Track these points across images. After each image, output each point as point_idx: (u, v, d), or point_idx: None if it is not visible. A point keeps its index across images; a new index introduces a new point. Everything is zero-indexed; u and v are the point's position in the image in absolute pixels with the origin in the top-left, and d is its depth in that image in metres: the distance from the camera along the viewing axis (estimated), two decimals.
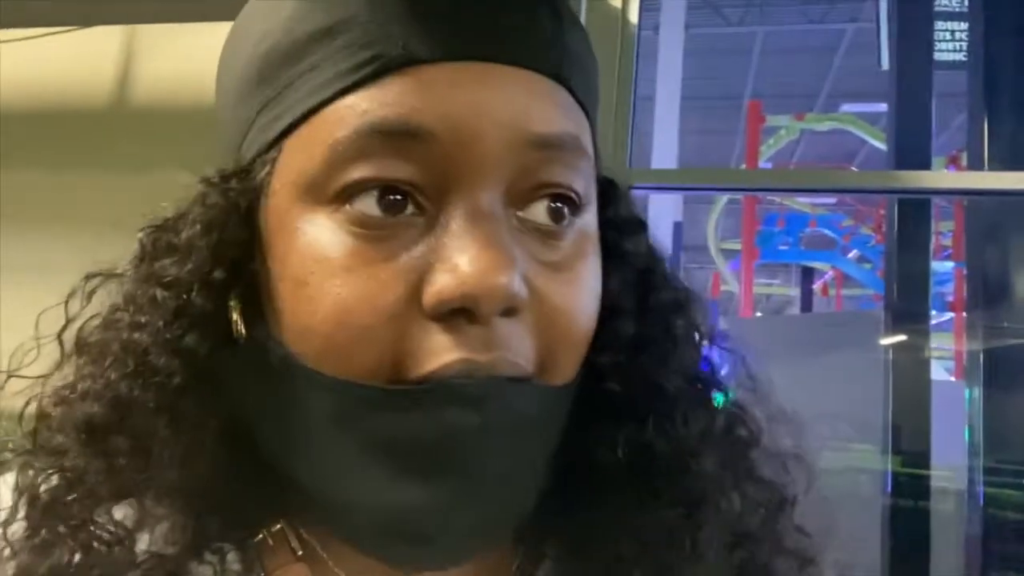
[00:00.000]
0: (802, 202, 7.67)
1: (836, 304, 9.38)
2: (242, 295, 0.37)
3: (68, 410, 0.36)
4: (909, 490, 2.88)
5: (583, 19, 1.49)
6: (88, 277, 0.39)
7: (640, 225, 0.42)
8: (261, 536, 0.38)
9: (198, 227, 0.36)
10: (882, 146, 6.15)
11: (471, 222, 0.33)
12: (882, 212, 6.27)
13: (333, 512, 0.36)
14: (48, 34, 1.37)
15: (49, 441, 0.36)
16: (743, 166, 7.73)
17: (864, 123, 7.00)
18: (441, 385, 0.32)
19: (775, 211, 7.88)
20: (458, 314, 0.32)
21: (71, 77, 1.48)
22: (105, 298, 0.38)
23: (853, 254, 7.80)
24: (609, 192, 0.41)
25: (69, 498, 0.35)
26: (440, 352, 0.32)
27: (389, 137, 0.33)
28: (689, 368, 0.40)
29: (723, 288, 9.60)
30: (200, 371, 0.36)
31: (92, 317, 0.38)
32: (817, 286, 9.17)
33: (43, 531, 0.34)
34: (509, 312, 0.33)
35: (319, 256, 0.33)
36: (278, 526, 0.39)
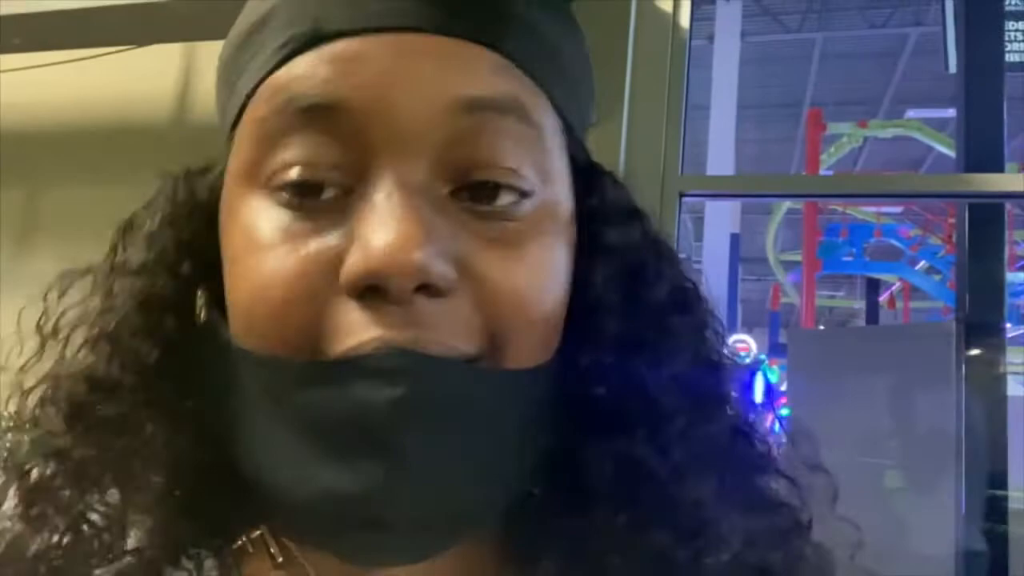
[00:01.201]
0: (866, 211, 7.46)
1: (903, 317, 9.08)
2: (213, 286, 0.37)
3: (52, 391, 0.37)
4: (985, 512, 2.74)
5: (631, 26, 1.47)
6: (64, 275, 0.40)
7: (632, 214, 0.39)
8: (240, 542, 0.37)
9: (158, 218, 0.38)
10: (950, 152, 5.94)
11: (388, 196, 0.32)
12: (951, 221, 6.05)
13: (279, 504, 0.34)
14: (106, 53, 1.41)
15: (34, 421, 0.37)
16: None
17: (931, 129, 6.78)
18: (353, 359, 0.31)
19: (838, 221, 7.68)
20: (376, 292, 0.31)
21: (130, 95, 1.52)
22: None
23: (921, 265, 7.54)
24: (594, 179, 0.39)
25: (58, 478, 0.35)
26: (356, 330, 0.31)
27: (306, 113, 0.33)
28: (690, 374, 0.37)
29: (783, 301, 9.40)
30: (173, 355, 0.36)
31: (69, 308, 0.39)
32: (883, 298, 8.89)
33: (34, 509, 0.35)
34: (432, 292, 0.31)
35: (249, 235, 0.34)
36: (257, 532, 0.38)
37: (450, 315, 0.32)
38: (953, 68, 3.65)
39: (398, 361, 0.30)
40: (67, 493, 0.35)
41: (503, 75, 0.34)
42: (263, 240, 0.33)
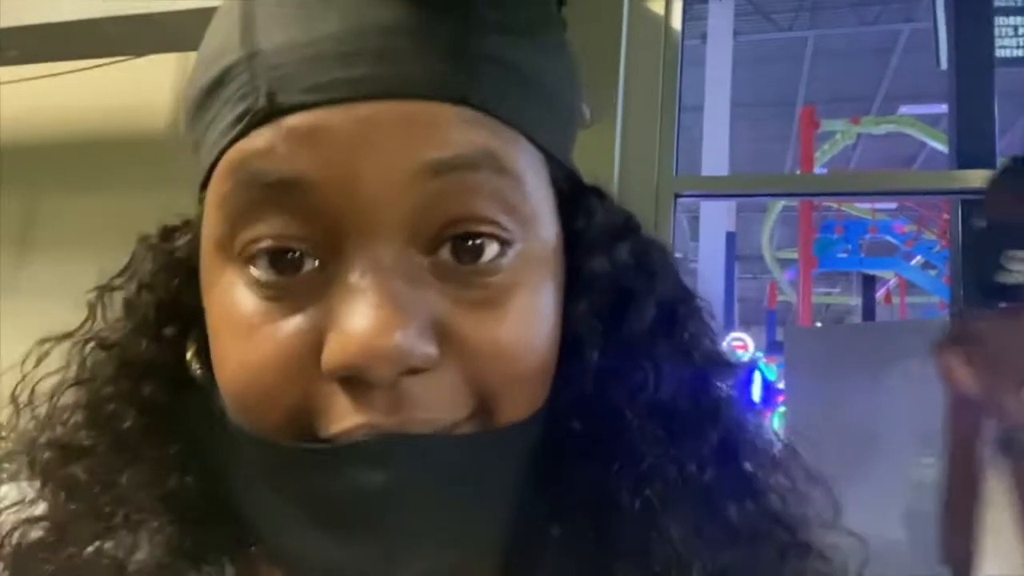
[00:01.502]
0: (861, 208, 7.48)
1: (900, 312, 9.10)
2: (200, 338, 0.36)
3: (35, 459, 0.38)
4: None
5: (624, 28, 1.48)
6: (42, 341, 0.40)
7: (620, 230, 0.38)
8: (254, 548, 0.38)
9: (135, 283, 0.39)
10: (943, 148, 5.96)
11: (363, 277, 0.30)
12: (946, 216, 6.06)
13: (285, 558, 0.35)
14: (103, 64, 1.42)
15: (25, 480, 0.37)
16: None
17: (924, 125, 6.80)
18: (343, 446, 0.31)
19: (833, 218, 7.70)
20: (359, 377, 0.30)
21: (127, 105, 1.52)
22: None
23: (917, 260, 7.56)
24: (579, 200, 0.38)
25: (51, 541, 0.36)
26: (343, 416, 0.31)
27: (270, 190, 0.31)
28: (675, 404, 0.36)
29: (780, 298, 9.41)
30: (159, 413, 0.37)
31: (47, 375, 0.40)
32: (880, 294, 8.91)
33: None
34: (415, 371, 0.30)
35: (225, 314, 0.33)
36: None
37: (436, 389, 0.31)
38: (944, 64, 3.66)
39: (386, 447, 0.30)
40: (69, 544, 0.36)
41: (472, 129, 0.32)
42: (241, 321, 0.32)
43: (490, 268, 0.32)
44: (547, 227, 0.35)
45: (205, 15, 0.39)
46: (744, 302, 11.35)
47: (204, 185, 0.35)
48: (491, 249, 0.32)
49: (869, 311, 8.13)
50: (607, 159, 1.39)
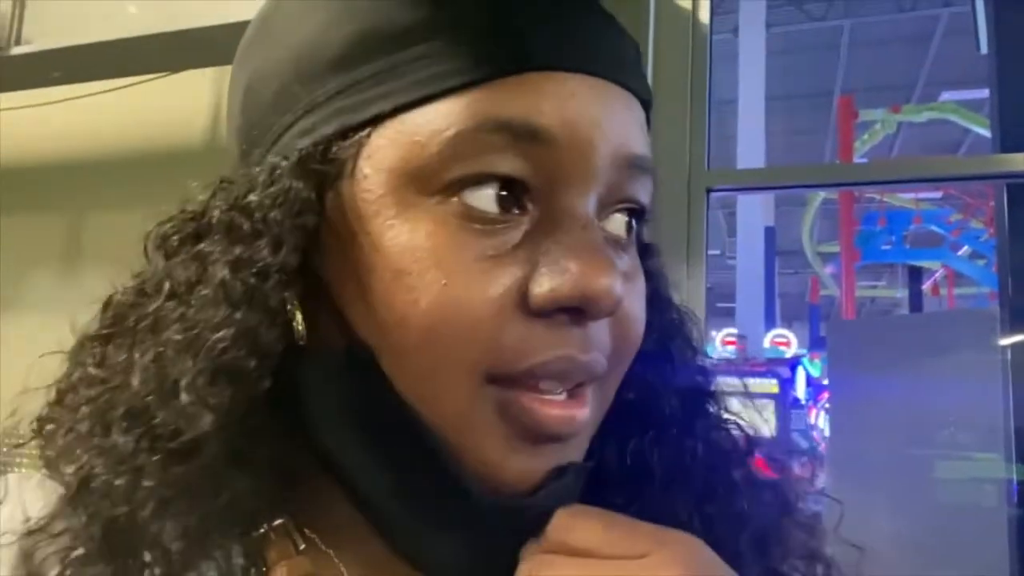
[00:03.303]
0: (904, 198, 7.32)
1: (948, 304, 8.88)
2: (300, 292, 0.35)
3: (137, 413, 0.33)
4: None
5: (651, 23, 1.47)
6: (115, 294, 0.37)
7: (652, 247, 0.44)
8: (263, 530, 0.38)
9: (284, 208, 0.34)
10: (987, 133, 5.80)
11: (576, 227, 0.34)
12: (992, 204, 5.91)
13: (398, 534, 0.37)
14: (141, 82, 1.46)
15: (111, 441, 0.33)
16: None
17: (966, 111, 6.63)
18: (524, 505, 0.35)
19: (875, 209, 7.55)
20: (561, 314, 0.34)
21: (166, 120, 1.56)
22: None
23: (964, 250, 7.37)
24: None
25: (134, 508, 0.32)
26: (543, 348, 0.34)
27: (512, 135, 0.33)
28: (684, 394, 0.43)
29: (823, 293, 9.25)
30: (279, 372, 0.35)
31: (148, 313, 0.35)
32: (927, 286, 8.70)
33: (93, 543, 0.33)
34: (609, 314, 0.35)
35: (424, 246, 0.33)
36: (279, 520, 0.38)
37: (602, 336, 0.36)
38: (985, 48, 3.57)
39: (543, 504, 0.35)
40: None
41: (645, 135, 0.38)
42: (443, 254, 0.33)
43: (627, 248, 0.38)
44: None
45: (238, 28, 0.40)
46: (786, 298, 11.18)
47: (381, 117, 0.34)
48: (632, 224, 0.39)
49: (916, 303, 7.94)
50: None
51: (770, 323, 7.27)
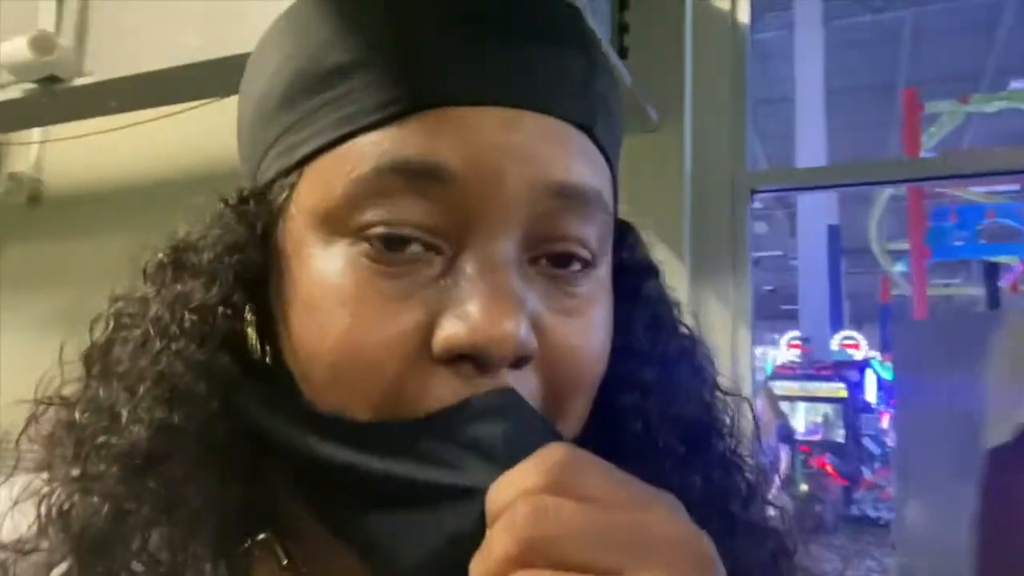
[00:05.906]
0: (976, 192, 7.03)
1: None
2: (256, 316, 0.37)
3: (103, 437, 0.35)
4: None
5: (688, 25, 1.45)
6: (114, 299, 0.39)
7: (653, 270, 0.43)
8: (247, 545, 0.38)
9: (219, 248, 0.36)
10: None
11: (486, 268, 0.33)
12: None
13: (366, 549, 0.34)
14: (189, 108, 1.51)
15: (83, 466, 0.35)
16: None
17: None
18: (469, 400, 0.32)
19: (946, 204, 7.26)
20: (466, 360, 0.32)
21: (213, 146, 1.61)
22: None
23: None
24: (626, 235, 0.42)
25: (109, 525, 0.34)
26: (446, 396, 0.32)
27: (409, 177, 0.33)
28: (689, 415, 0.41)
29: (894, 292, 8.93)
30: (231, 393, 0.36)
31: (116, 341, 0.37)
32: (1005, 283, 8.32)
33: (82, 560, 0.34)
34: (518, 363, 0.33)
35: (331, 283, 0.33)
36: (262, 536, 0.39)
37: (524, 384, 0.33)
38: None
39: (506, 397, 0.32)
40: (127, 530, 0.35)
41: (594, 165, 0.36)
42: (348, 292, 0.33)
43: (578, 281, 0.36)
44: (609, 257, 0.39)
45: None
46: (855, 298, 10.84)
47: (307, 158, 0.35)
48: (577, 266, 0.36)
49: (993, 301, 7.59)
50: (676, 159, 1.37)
51: (837, 325, 7.07)
